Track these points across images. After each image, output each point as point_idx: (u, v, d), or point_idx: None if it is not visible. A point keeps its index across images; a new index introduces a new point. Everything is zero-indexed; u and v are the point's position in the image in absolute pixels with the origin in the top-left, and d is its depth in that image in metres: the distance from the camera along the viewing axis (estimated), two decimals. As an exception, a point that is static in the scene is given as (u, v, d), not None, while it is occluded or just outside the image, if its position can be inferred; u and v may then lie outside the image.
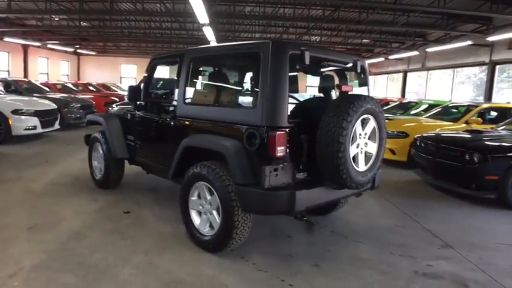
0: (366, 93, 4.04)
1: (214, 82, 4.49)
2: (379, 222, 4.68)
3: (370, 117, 3.37)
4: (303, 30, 18.56)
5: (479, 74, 17.58)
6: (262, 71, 3.17)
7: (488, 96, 15.87)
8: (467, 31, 14.83)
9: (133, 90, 4.81)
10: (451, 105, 10.14)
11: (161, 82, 9.85)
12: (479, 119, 8.19)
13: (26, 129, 8.74)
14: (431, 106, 10.85)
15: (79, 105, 11.76)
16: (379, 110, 3.43)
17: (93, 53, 27.70)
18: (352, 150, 3.24)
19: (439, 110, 9.61)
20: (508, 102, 10.97)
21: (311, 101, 4.17)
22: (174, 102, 4.11)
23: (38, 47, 22.49)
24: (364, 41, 20.49)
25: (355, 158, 3.31)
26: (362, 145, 3.37)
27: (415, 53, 19.39)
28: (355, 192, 3.80)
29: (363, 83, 4.20)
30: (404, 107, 12.17)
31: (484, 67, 16.58)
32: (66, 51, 25.99)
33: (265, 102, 3.12)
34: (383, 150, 3.59)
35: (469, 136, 6.22)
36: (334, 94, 4.08)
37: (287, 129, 3.13)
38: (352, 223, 4.56)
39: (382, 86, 26.90)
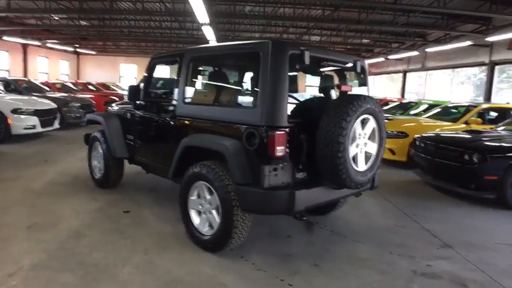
0: (366, 93, 4.04)
1: (214, 82, 4.49)
2: (378, 222, 4.69)
3: (370, 117, 3.37)
4: (303, 30, 18.57)
5: (478, 74, 17.60)
6: (262, 71, 3.17)
7: (488, 97, 15.89)
8: (467, 31, 14.85)
9: (133, 90, 4.81)
10: (450, 105, 10.14)
11: (161, 82, 9.86)
12: (479, 119, 8.19)
13: (25, 128, 8.73)
14: (430, 106, 10.85)
15: (79, 104, 11.76)
16: (378, 110, 3.43)
17: (93, 53, 27.69)
18: (352, 150, 3.24)
19: (439, 110, 9.62)
20: (508, 103, 10.98)
21: (311, 101, 4.17)
22: (174, 102, 4.11)
23: (38, 46, 22.48)
24: (364, 41, 20.51)
25: (354, 158, 3.31)
26: (362, 145, 3.37)
27: (414, 53, 19.41)
28: (354, 192, 3.81)
29: (363, 83, 4.20)
30: (404, 107, 12.18)
31: (483, 67, 16.60)
32: (65, 51, 25.98)
33: (265, 102, 3.12)
34: (382, 150, 3.60)
35: (469, 136, 6.23)
36: (334, 94, 4.08)
37: (287, 129, 3.13)
38: (351, 223, 4.57)
39: (382, 86, 26.91)
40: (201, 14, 11.45)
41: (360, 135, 3.32)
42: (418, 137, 6.64)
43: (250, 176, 3.16)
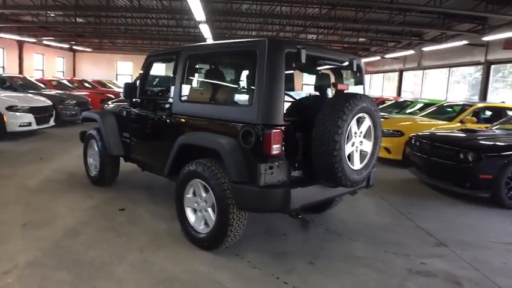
0: (362, 92, 4.05)
1: (211, 80, 4.49)
2: (373, 220, 4.71)
3: (366, 115, 3.38)
4: (300, 29, 18.55)
5: (474, 73, 17.66)
6: (259, 69, 3.17)
7: (483, 96, 15.96)
8: (462, 31, 14.89)
9: (129, 88, 4.79)
10: (446, 104, 10.19)
11: (157, 79, 9.84)
12: (474, 118, 8.23)
13: (20, 125, 8.69)
14: (426, 105, 10.90)
15: (74, 102, 11.72)
16: (374, 109, 3.44)
17: (89, 50, 27.54)
18: (348, 149, 3.25)
19: (434, 109, 9.65)
20: (503, 102, 11.04)
21: (307, 99, 4.18)
22: (170, 100, 4.11)
23: (33, 43, 22.33)
24: (361, 39, 20.51)
25: (350, 157, 3.32)
26: (357, 143, 3.38)
27: (411, 52, 19.45)
28: (350, 191, 3.82)
29: (359, 81, 4.22)
30: (400, 106, 12.22)
31: (479, 67, 16.66)
32: (61, 48, 25.85)
33: (261, 100, 3.12)
34: (378, 149, 3.61)
35: (464, 135, 6.26)
36: (330, 92, 4.09)
37: (283, 128, 3.14)
38: (347, 221, 4.58)
39: (378, 85, 26.96)
40: (198, 11, 11.41)
41: (355, 133, 3.33)
42: (413, 136, 6.67)
43: (246, 174, 3.17)
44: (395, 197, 5.65)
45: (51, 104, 9.88)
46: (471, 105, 8.83)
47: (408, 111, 11.20)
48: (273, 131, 3.05)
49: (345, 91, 3.61)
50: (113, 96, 13.56)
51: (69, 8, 15.33)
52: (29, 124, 8.85)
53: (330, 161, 3.12)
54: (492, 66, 15.98)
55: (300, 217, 3.52)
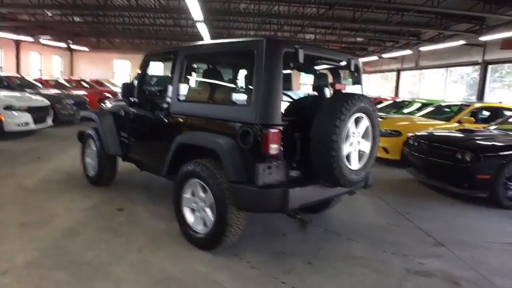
0: (360, 92, 4.05)
1: (208, 79, 4.48)
2: (372, 220, 4.71)
3: (364, 115, 3.38)
4: (298, 28, 18.57)
5: (472, 73, 17.72)
6: (256, 69, 3.16)
7: (481, 96, 16.01)
8: (460, 31, 14.94)
9: (127, 87, 4.78)
10: (444, 104, 10.21)
11: (155, 79, 9.81)
12: (472, 118, 8.26)
13: (18, 125, 8.66)
14: (424, 105, 10.92)
15: (72, 101, 11.67)
16: (372, 109, 3.44)
17: (87, 49, 27.48)
18: (346, 149, 3.25)
19: (432, 109, 9.67)
20: (500, 102, 11.07)
21: (305, 99, 4.18)
22: (168, 99, 4.10)
23: (31, 42, 22.25)
24: (358, 39, 20.57)
25: (348, 157, 3.32)
26: (355, 143, 3.38)
27: (408, 52, 19.50)
28: (348, 191, 3.82)
29: (357, 81, 4.21)
30: (398, 106, 12.24)
31: (476, 67, 16.71)
32: (59, 47, 25.74)
33: (259, 100, 3.12)
34: (376, 149, 3.61)
35: (462, 135, 6.27)
36: (328, 92, 4.09)
37: (281, 127, 3.14)
38: (345, 221, 4.59)
39: (376, 85, 27.00)
40: (196, 11, 11.41)
41: (353, 133, 3.33)
42: (411, 136, 6.68)
43: (244, 174, 3.16)
44: (393, 197, 5.66)
45: (49, 103, 9.85)
46: (469, 106, 8.85)
47: (406, 111, 11.22)
48: (271, 130, 3.05)
49: (343, 91, 3.62)
50: (110, 96, 13.53)
51: (67, 7, 15.31)
52: (27, 124, 8.81)
53: (328, 161, 3.12)
54: (489, 66, 16.03)
55: (299, 217, 3.52)
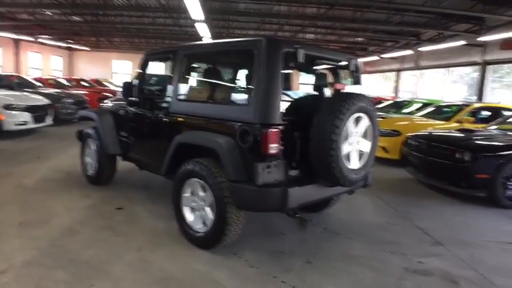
0: (359, 92, 4.05)
1: (208, 79, 4.49)
2: (371, 219, 4.72)
3: (363, 115, 3.39)
4: (298, 28, 18.56)
5: (471, 73, 17.73)
6: (256, 68, 3.17)
7: (480, 96, 16.02)
8: (460, 31, 14.94)
9: (126, 86, 4.78)
10: (443, 104, 10.22)
11: (154, 78, 9.80)
12: (471, 118, 8.27)
13: (17, 124, 8.65)
14: (424, 105, 10.93)
15: (71, 100, 11.67)
16: (372, 109, 3.45)
17: (86, 48, 27.48)
18: (345, 148, 3.25)
19: (432, 109, 9.68)
20: (499, 102, 11.08)
21: (304, 98, 4.18)
22: (168, 99, 4.10)
23: (30, 41, 22.25)
24: (358, 39, 20.56)
25: (348, 156, 3.32)
26: (355, 143, 3.38)
27: (408, 52, 19.51)
28: (347, 190, 3.82)
29: (356, 81, 4.22)
30: (397, 106, 12.24)
31: (476, 67, 16.72)
32: (58, 46, 25.78)
33: (259, 99, 3.12)
34: (375, 148, 3.62)
35: (461, 135, 6.28)
36: (328, 92, 4.09)
37: (280, 127, 3.14)
38: (344, 220, 4.59)
39: (376, 85, 27.02)
40: (196, 10, 11.41)
41: (353, 133, 3.33)
42: (411, 136, 6.68)
43: (244, 173, 3.17)
44: (392, 197, 5.67)
45: (48, 102, 9.84)
46: (468, 106, 8.87)
47: (405, 111, 11.23)
48: (271, 130, 3.05)
49: (343, 91, 3.62)
50: (110, 95, 13.52)
51: (66, 6, 15.28)
52: (26, 123, 8.81)
53: (327, 161, 3.12)
54: (489, 67, 16.05)
55: (298, 216, 3.53)
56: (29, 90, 10.95)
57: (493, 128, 6.95)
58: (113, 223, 4.09)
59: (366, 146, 3.52)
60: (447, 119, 8.56)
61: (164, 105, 4.16)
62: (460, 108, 8.87)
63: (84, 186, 5.29)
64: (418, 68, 21.05)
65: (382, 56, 22.21)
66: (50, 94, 11.05)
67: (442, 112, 9.39)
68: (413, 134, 6.67)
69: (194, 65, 4.55)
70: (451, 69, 18.88)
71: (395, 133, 7.83)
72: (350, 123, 3.25)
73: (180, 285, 2.97)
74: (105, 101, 6.09)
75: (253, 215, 3.88)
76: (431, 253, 3.77)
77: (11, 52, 22.08)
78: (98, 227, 3.95)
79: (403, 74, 23.36)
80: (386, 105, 12.75)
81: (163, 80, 5.59)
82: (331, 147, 3.09)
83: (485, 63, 15.94)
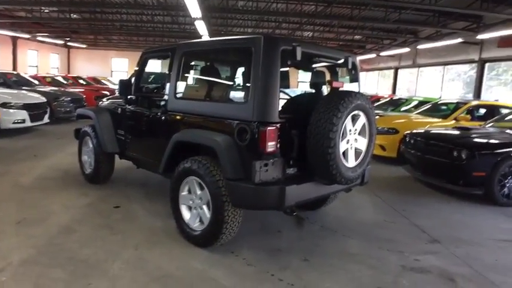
0: (357, 90, 4.06)
1: (206, 77, 4.48)
2: (368, 217, 4.73)
3: (361, 113, 3.39)
4: (296, 26, 18.53)
5: (469, 71, 17.75)
6: (254, 66, 3.16)
7: (477, 94, 16.05)
8: (457, 29, 14.96)
9: (124, 84, 4.77)
10: (440, 102, 10.24)
11: (152, 76, 9.78)
12: (468, 116, 8.28)
13: (14, 122, 8.64)
14: (421, 103, 10.95)
15: (69, 98, 11.64)
16: (369, 106, 3.45)
17: (84, 46, 27.38)
18: (342, 146, 3.26)
19: (429, 107, 9.70)
20: (497, 100, 11.11)
21: (302, 96, 4.18)
22: (165, 97, 4.09)
23: (27, 39, 22.16)
24: (356, 37, 20.53)
25: (345, 154, 3.33)
26: (352, 141, 3.39)
27: (406, 49, 19.51)
28: (344, 188, 3.84)
29: (354, 79, 4.23)
30: (395, 104, 12.26)
31: (473, 65, 16.74)
32: (56, 44, 25.65)
33: (257, 97, 3.12)
34: (373, 146, 3.63)
35: (458, 133, 6.30)
36: (325, 90, 4.10)
37: (278, 125, 3.14)
38: (341, 218, 4.60)
39: (373, 83, 27.04)
40: (194, 8, 11.38)
41: (350, 131, 3.34)
42: (408, 134, 6.70)
43: (241, 171, 3.17)
44: (389, 195, 5.68)
45: (45, 100, 9.82)
46: (465, 103, 8.89)
47: (403, 108, 11.25)
48: (268, 128, 3.06)
49: (340, 88, 3.62)
50: (107, 93, 13.48)
51: (64, 4, 15.22)
52: (23, 121, 8.79)
53: (324, 158, 3.13)
54: (486, 64, 16.07)
55: (295, 214, 3.54)
56: (27, 88, 10.92)
57: (489, 126, 6.97)
58: (110, 221, 4.09)
59: (363, 144, 3.53)
60: (445, 116, 8.58)
61: (162, 103, 4.16)
62: (457, 106, 8.90)
63: (82, 185, 5.28)
64: (416, 65, 21.07)
65: (380, 53, 22.21)
66: (47, 92, 11.02)
67: (439, 110, 9.41)
68: (411, 132, 6.68)
69: (192, 63, 4.54)
70: (448, 67, 18.89)
71: (392, 131, 7.84)
72: (347, 121, 3.26)
73: (178, 283, 2.97)
74: (103, 99, 6.06)
75: (250, 213, 3.89)
76: (428, 251, 3.78)
77: (9, 50, 21.97)
78: (95, 226, 3.95)
79: (401, 71, 23.38)
80: (384, 103, 12.77)
81: (161, 78, 5.59)
82: (328, 145, 3.09)
83: (483, 61, 15.96)
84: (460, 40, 15.40)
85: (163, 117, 4.13)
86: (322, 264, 3.39)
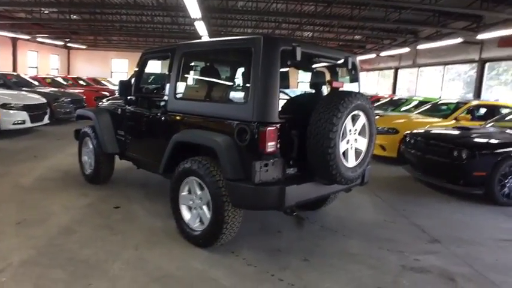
0: (357, 90, 4.06)
1: (206, 77, 4.48)
2: (368, 217, 4.73)
3: (361, 113, 3.39)
4: (296, 26, 18.54)
5: (469, 71, 17.75)
6: (254, 67, 3.17)
7: (478, 94, 16.05)
8: (458, 29, 14.95)
9: (124, 85, 4.77)
10: (440, 102, 10.24)
11: (152, 77, 9.80)
12: (469, 116, 8.28)
13: (14, 123, 8.64)
14: (421, 103, 10.94)
15: (69, 99, 11.64)
16: (369, 106, 3.45)
17: (84, 47, 27.40)
18: (342, 146, 3.26)
19: (429, 107, 9.70)
20: (497, 100, 11.11)
21: (302, 96, 4.18)
22: (165, 97, 4.09)
23: (27, 40, 22.18)
24: (356, 37, 20.54)
25: (345, 154, 3.33)
26: (352, 141, 3.39)
27: (406, 49, 19.50)
28: (344, 188, 3.83)
29: (354, 79, 4.22)
30: (395, 104, 12.26)
31: (473, 64, 16.74)
32: (56, 45, 25.67)
33: (256, 97, 3.12)
34: (373, 146, 3.63)
35: (458, 133, 6.29)
36: (325, 90, 4.10)
37: (278, 125, 3.14)
38: (341, 218, 4.60)
39: (374, 83, 27.03)
40: (194, 8, 11.38)
41: (350, 131, 3.34)
42: (408, 134, 6.70)
43: (241, 171, 3.17)
44: (389, 194, 5.68)
45: (45, 101, 9.82)
46: (465, 103, 8.89)
47: (403, 108, 11.24)
48: (268, 128, 3.06)
49: (340, 89, 3.62)
50: (107, 94, 13.49)
51: (64, 5, 15.23)
52: (23, 122, 8.79)
53: (324, 159, 3.13)
54: (486, 64, 16.07)
55: (295, 214, 3.53)
56: (27, 89, 10.93)
57: (490, 126, 6.97)
58: (110, 222, 4.09)
59: (363, 144, 3.53)
60: (445, 116, 8.58)
61: (162, 103, 4.16)
62: (457, 106, 8.90)
63: (82, 185, 5.28)
64: (416, 65, 21.07)
65: (380, 54, 22.21)
66: (47, 93, 11.02)
67: (439, 110, 9.41)
68: (411, 132, 6.68)
69: (192, 64, 4.54)
70: (448, 66, 18.89)
71: (392, 131, 7.84)
72: (347, 121, 3.26)
73: (178, 283, 2.97)
74: (103, 100, 6.07)
75: (250, 213, 3.89)
76: (429, 251, 3.78)
77: (9, 51, 21.98)
78: (95, 226, 3.95)
79: (401, 71, 23.37)
80: (384, 103, 12.77)
81: (161, 78, 5.59)
82: (328, 145, 3.09)
83: (483, 61, 15.96)
84: (460, 40, 15.40)
85: (163, 118, 4.13)
86: (322, 264, 3.39)
